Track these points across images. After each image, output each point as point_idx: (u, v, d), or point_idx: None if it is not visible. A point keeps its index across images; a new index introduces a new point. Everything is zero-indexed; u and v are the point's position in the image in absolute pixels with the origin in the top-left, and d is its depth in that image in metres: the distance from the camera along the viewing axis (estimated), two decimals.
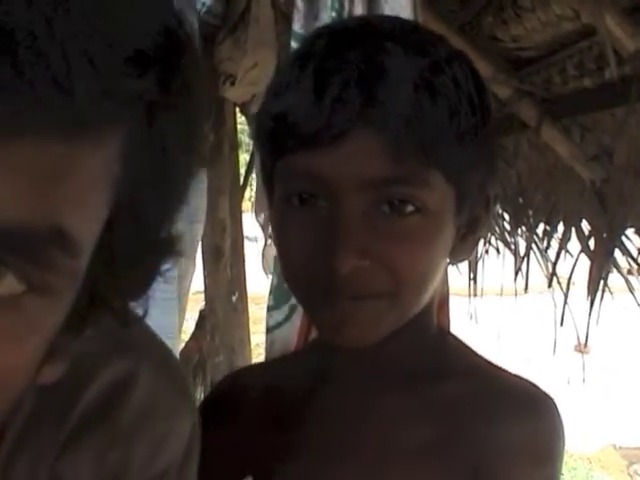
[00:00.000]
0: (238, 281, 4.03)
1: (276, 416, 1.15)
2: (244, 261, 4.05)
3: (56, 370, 0.67)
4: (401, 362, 1.10)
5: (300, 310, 1.84)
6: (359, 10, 1.78)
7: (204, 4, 2.70)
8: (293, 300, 1.89)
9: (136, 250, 0.62)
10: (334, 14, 1.81)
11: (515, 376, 1.13)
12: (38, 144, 0.49)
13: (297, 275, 1.02)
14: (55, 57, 0.46)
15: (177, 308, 2.70)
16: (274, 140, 1.00)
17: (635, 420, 7.75)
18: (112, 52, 0.50)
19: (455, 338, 1.17)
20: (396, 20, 1.13)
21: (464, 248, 1.08)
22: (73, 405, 0.87)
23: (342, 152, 0.92)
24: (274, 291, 1.99)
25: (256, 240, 3.62)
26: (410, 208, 0.95)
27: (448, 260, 1.08)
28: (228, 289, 3.99)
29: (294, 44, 1.94)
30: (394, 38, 0.96)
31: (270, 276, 3.05)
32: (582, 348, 9.58)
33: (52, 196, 0.51)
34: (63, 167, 0.51)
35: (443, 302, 1.55)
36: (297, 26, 1.93)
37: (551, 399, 1.09)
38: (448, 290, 1.64)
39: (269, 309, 1.98)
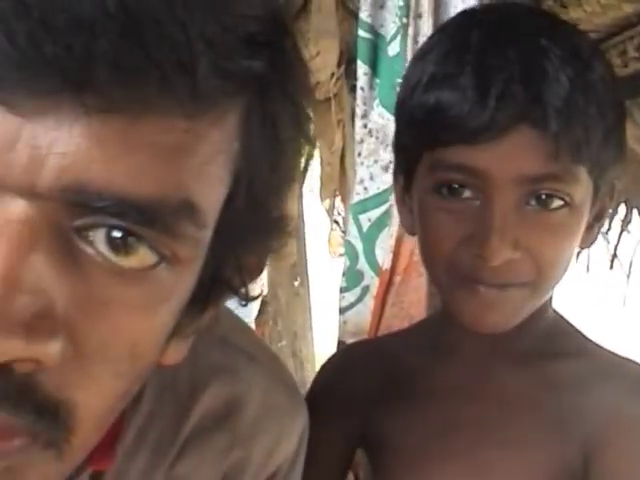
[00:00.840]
0: (300, 267, 4.03)
1: (394, 386, 1.19)
2: (306, 247, 4.06)
3: (179, 352, 0.70)
4: (520, 341, 1.13)
5: (372, 291, 1.91)
6: None
7: None
8: (365, 282, 1.98)
9: (253, 227, 0.65)
10: (401, 3, 1.87)
11: (625, 358, 1.16)
12: (164, 122, 0.52)
13: (442, 261, 1.04)
14: (178, 40, 0.50)
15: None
16: (428, 132, 1.03)
17: None
18: (228, 35, 0.53)
19: (567, 322, 1.20)
20: (541, 11, 1.16)
21: (590, 236, 1.11)
22: (191, 407, 0.90)
23: (503, 149, 0.95)
24: (347, 273, 2.05)
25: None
26: (558, 203, 0.99)
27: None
28: (290, 275, 4.01)
29: (361, 32, 2.00)
30: (550, 37, 0.98)
31: (334, 259, 3.13)
32: None
33: (179, 170, 0.54)
34: (187, 143, 0.54)
35: None
36: (364, 15, 2.00)
37: None
38: None
39: (342, 290, 2.04)
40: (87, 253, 0.54)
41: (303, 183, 4.07)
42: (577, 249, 1.07)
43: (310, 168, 4.65)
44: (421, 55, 1.08)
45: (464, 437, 1.13)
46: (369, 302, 1.96)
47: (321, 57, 2.72)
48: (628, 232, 3.66)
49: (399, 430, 1.16)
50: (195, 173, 0.56)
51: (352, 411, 1.21)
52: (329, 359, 1.32)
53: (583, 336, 1.18)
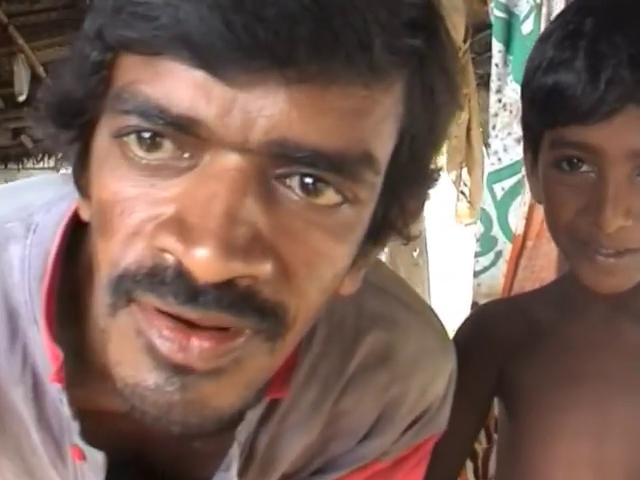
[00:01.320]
0: (419, 237, 4.14)
1: (529, 338, 1.29)
2: (424, 217, 4.16)
3: (354, 283, 0.81)
4: (638, 300, 1.22)
5: (505, 255, 2.00)
6: None
7: None
8: (499, 247, 2.07)
9: (413, 176, 0.76)
10: None
11: None
12: (348, 90, 0.63)
13: (563, 228, 1.14)
14: (358, 25, 0.61)
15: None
16: (547, 112, 1.12)
17: None
18: (395, 20, 0.64)
19: None
20: None
21: None
22: (355, 349, 1.00)
23: (613, 127, 1.04)
24: (481, 239, 2.13)
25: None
26: None
27: None
28: (410, 245, 4.10)
29: (496, 12, 2.06)
30: None
31: (461, 226, 3.20)
32: None
33: (359, 128, 0.65)
34: (365, 106, 0.65)
35: None
36: None
37: None
38: None
39: (476, 255, 2.13)
40: (286, 195, 0.66)
41: None
42: None
43: None
44: (542, 39, 1.17)
45: (590, 386, 1.22)
46: (502, 266, 2.04)
47: (451, 32, 2.83)
48: None
49: (531, 379, 1.27)
50: (372, 130, 0.66)
51: (490, 361, 1.31)
52: (470, 315, 1.43)
53: None
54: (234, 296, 0.64)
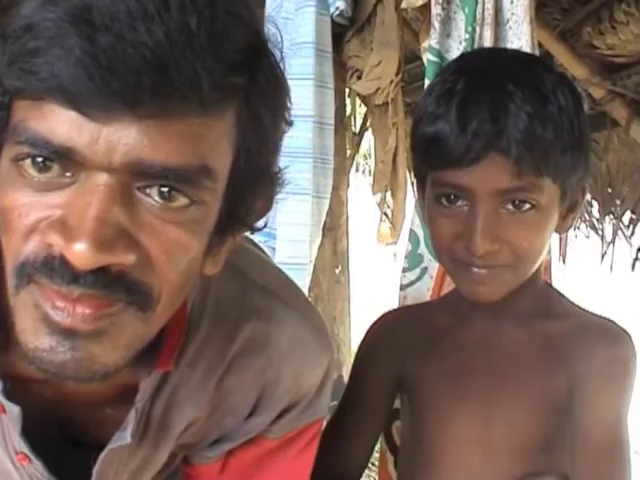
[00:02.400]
0: (342, 255, 4.26)
1: (425, 341, 1.50)
2: (348, 236, 4.28)
3: (214, 266, 1.04)
4: (518, 306, 1.43)
5: (430, 271, 2.21)
6: (487, 33, 2.12)
7: (337, 8, 2.94)
8: (424, 264, 2.26)
9: (252, 180, 0.97)
10: (467, 36, 2.16)
11: (601, 317, 1.46)
12: (186, 121, 0.83)
13: (445, 252, 1.35)
14: (190, 73, 0.81)
15: (307, 273, 3.04)
16: (427, 157, 1.34)
17: None
18: (220, 64, 0.84)
19: (556, 291, 1.52)
20: (514, 58, 1.47)
21: (566, 224, 1.41)
22: (236, 336, 1.20)
23: (479, 170, 1.25)
24: (409, 256, 2.32)
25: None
26: (527, 206, 1.28)
27: (555, 232, 1.40)
28: (332, 262, 4.21)
29: (430, 56, 2.27)
30: (516, 82, 1.27)
31: (384, 247, 3.34)
32: None
33: (198, 148, 0.85)
34: (201, 132, 0.85)
35: (547, 265, 1.89)
36: (433, 42, 2.28)
37: (628, 334, 1.40)
38: (551, 257, 1.97)
39: (403, 270, 2.30)
40: (147, 201, 0.86)
41: (349, 177, 4.30)
42: (554, 235, 1.40)
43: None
44: (425, 95, 1.40)
45: (478, 378, 1.43)
46: (427, 280, 2.22)
47: (382, 66, 2.98)
48: None
49: (429, 375, 1.47)
50: (208, 149, 0.87)
51: (391, 361, 1.51)
52: (377, 319, 1.61)
53: (569, 301, 1.49)
54: (107, 278, 0.85)
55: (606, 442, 1.36)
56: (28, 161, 0.85)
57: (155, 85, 0.80)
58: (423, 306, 1.73)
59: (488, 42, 2.13)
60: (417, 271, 2.29)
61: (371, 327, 1.59)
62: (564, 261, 4.42)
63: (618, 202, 4.09)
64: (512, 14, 2.10)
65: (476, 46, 2.14)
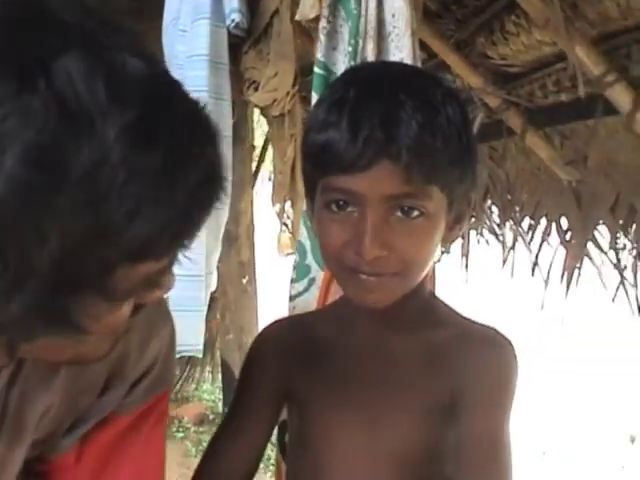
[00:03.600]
0: (249, 265, 4.29)
1: (310, 351, 1.50)
2: (254, 246, 4.31)
3: None
4: (403, 315, 1.43)
5: (317, 282, 2.23)
6: (370, 46, 2.14)
7: (233, 20, 2.97)
8: (312, 274, 2.29)
9: None
10: (350, 49, 2.18)
11: (484, 325, 1.48)
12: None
13: (334, 258, 1.34)
14: None
15: (205, 284, 3.04)
16: (319, 164, 1.32)
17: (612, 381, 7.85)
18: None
19: (441, 300, 1.53)
20: (405, 71, 1.48)
21: (452, 235, 1.42)
22: None
23: (370, 176, 1.24)
24: (297, 267, 2.34)
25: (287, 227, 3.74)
26: (416, 213, 1.28)
27: (440, 244, 1.40)
28: (239, 272, 4.26)
29: (317, 69, 2.31)
30: (406, 91, 1.28)
31: (284, 257, 3.37)
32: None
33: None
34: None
35: (431, 274, 1.92)
36: (319, 55, 2.31)
37: (509, 342, 1.43)
38: (435, 266, 2.00)
39: (292, 281, 2.33)
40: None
41: (253, 188, 4.31)
42: (441, 246, 1.39)
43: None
44: (316, 105, 1.39)
45: (363, 388, 1.44)
46: (314, 291, 2.24)
47: (279, 77, 3.02)
48: (548, 243, 3.97)
49: (314, 385, 1.47)
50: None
51: (275, 371, 1.51)
52: (263, 329, 1.61)
53: (453, 310, 1.51)
54: None
55: (488, 449, 1.37)
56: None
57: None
58: (308, 315, 1.73)
59: (370, 55, 2.16)
60: (305, 282, 2.32)
61: (257, 336, 1.60)
62: (466, 267, 4.49)
63: (517, 208, 4.16)
64: (394, 27, 2.13)
65: (359, 59, 2.17)
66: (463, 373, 1.40)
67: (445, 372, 1.42)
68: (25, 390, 1.17)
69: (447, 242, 1.43)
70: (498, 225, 4.36)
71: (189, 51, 3.00)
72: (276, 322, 1.64)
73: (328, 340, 1.51)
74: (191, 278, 2.95)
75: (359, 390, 1.44)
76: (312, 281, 2.30)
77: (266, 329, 1.61)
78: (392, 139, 1.23)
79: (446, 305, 1.52)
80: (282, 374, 1.51)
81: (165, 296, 1.28)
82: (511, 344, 1.44)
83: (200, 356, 3.63)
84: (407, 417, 1.42)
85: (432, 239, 1.33)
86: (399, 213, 1.28)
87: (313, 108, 1.43)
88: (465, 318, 1.50)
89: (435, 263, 1.95)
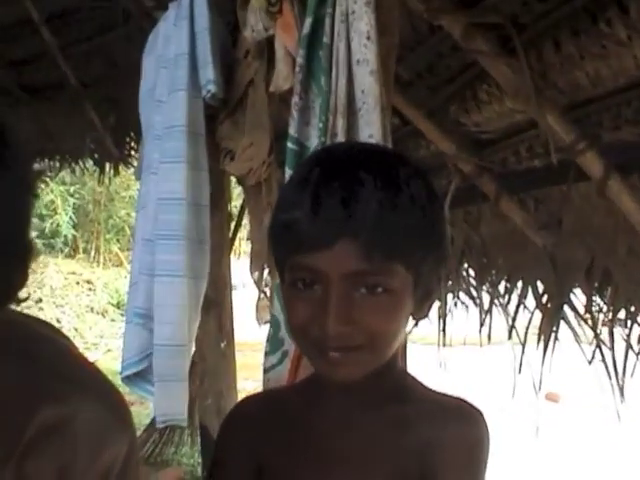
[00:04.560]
0: (227, 330, 4.19)
1: (282, 427, 1.50)
2: (232, 311, 4.23)
3: None
4: (374, 391, 1.45)
5: (290, 355, 2.25)
6: (340, 122, 2.18)
7: (209, 91, 2.98)
8: (285, 347, 2.30)
9: None
10: (321, 125, 2.21)
11: (454, 397, 1.51)
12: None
13: (301, 334, 1.36)
14: None
15: (187, 355, 3.07)
16: (284, 244, 1.35)
17: (600, 467, 7.81)
18: None
19: (411, 376, 1.55)
20: (370, 150, 1.50)
21: (421, 311, 1.43)
22: (28, 423, 1.17)
23: (331, 254, 1.26)
24: (270, 339, 2.36)
25: (243, 286, 3.73)
26: (379, 289, 1.30)
27: (411, 318, 1.42)
28: (217, 337, 4.16)
29: (290, 145, 2.34)
30: (368, 170, 1.29)
31: (261, 325, 3.39)
32: (553, 396, 9.60)
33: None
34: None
35: (402, 350, 1.94)
36: (292, 130, 2.34)
37: (480, 412, 1.47)
38: (405, 341, 2.02)
39: (266, 354, 2.35)
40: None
41: (230, 254, 4.32)
42: (410, 321, 1.42)
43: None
44: (285, 185, 1.45)
45: (333, 465, 1.45)
46: (287, 364, 2.26)
47: (254, 147, 3.06)
48: (524, 306, 3.99)
49: (285, 464, 1.48)
50: None
51: (249, 447, 1.51)
52: (234, 406, 1.63)
53: (423, 386, 1.53)
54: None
55: None
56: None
57: None
58: (279, 391, 1.74)
59: (340, 130, 2.19)
60: (278, 354, 2.33)
61: (228, 414, 1.60)
62: (444, 330, 4.51)
63: (494, 272, 4.18)
64: (363, 103, 2.15)
65: (329, 134, 2.20)
66: (434, 448, 1.42)
67: (416, 448, 1.43)
68: None
69: (417, 318, 1.44)
70: (475, 288, 4.37)
71: (167, 122, 3.02)
72: (246, 399, 1.65)
73: (299, 416, 1.51)
74: (175, 348, 2.95)
75: (330, 466, 1.45)
76: (285, 354, 2.31)
77: (237, 407, 1.62)
78: (351, 217, 1.25)
79: (417, 381, 1.54)
80: (253, 452, 1.51)
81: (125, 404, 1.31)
82: (482, 415, 1.47)
83: (185, 425, 3.62)
84: None
85: (398, 315, 1.34)
86: (363, 290, 1.30)
87: (281, 189, 1.47)
88: (436, 392, 1.52)
89: (407, 335, 1.97)
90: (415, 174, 1.36)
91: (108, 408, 1.28)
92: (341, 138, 2.18)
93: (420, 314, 1.44)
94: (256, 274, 3.27)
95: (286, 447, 1.49)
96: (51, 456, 1.20)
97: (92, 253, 17.35)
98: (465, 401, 1.49)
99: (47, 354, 1.28)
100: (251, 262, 3.27)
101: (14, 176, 1.07)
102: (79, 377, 1.29)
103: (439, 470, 1.42)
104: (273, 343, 2.35)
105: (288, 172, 2.32)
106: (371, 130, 2.12)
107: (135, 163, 5.52)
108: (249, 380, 7.91)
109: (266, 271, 3.25)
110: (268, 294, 3.30)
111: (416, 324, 1.50)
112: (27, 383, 1.20)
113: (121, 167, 6.75)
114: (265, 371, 2.34)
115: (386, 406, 1.47)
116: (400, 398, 1.49)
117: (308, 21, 2.36)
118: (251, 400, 1.65)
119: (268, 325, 2.45)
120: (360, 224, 1.26)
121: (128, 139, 6.06)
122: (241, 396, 4.17)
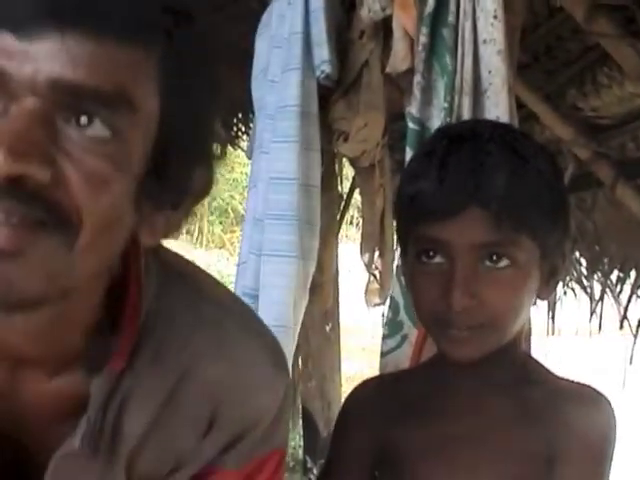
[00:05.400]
0: (332, 313, 4.23)
1: (405, 411, 1.47)
2: (338, 294, 4.27)
3: (151, 237, 1.04)
4: (499, 373, 1.42)
5: (410, 338, 2.21)
6: (466, 102, 2.15)
7: (323, 71, 2.99)
8: (404, 331, 2.28)
9: (183, 140, 0.98)
10: (446, 105, 2.19)
11: (580, 384, 1.46)
12: (106, 42, 0.87)
13: (426, 310, 1.36)
14: (124, 6, 0.88)
15: (292, 336, 3.04)
16: (410, 215, 1.36)
17: None
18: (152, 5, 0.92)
19: (535, 359, 1.52)
20: (496, 126, 1.49)
21: (546, 290, 1.41)
22: (189, 345, 1.17)
23: (458, 223, 1.26)
24: (389, 323, 2.35)
25: (349, 271, 3.71)
26: (505, 262, 1.29)
27: (538, 298, 1.41)
28: (322, 320, 4.17)
29: (411, 125, 2.32)
30: (496, 142, 1.30)
31: (370, 308, 3.37)
32: None
33: (117, 73, 0.89)
34: (120, 58, 0.89)
35: (527, 336, 1.91)
36: (414, 110, 2.32)
37: (607, 400, 1.41)
38: (530, 328, 1.99)
39: (384, 337, 2.33)
40: (67, 128, 0.88)
41: (338, 236, 4.32)
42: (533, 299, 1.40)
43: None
44: (412, 158, 1.45)
45: (461, 450, 1.42)
46: (407, 348, 2.22)
47: (368, 128, 3.02)
48: (637, 296, 3.92)
49: (410, 446, 1.44)
50: (127, 78, 0.90)
51: (371, 430, 1.48)
52: (355, 387, 1.59)
53: (547, 369, 1.49)
54: (24, 194, 0.85)
55: None
56: None
57: (79, 2, 0.87)
58: (402, 374, 1.72)
59: (467, 111, 2.16)
60: (397, 338, 2.31)
61: (349, 395, 1.58)
62: (553, 318, 4.44)
63: (606, 260, 4.11)
64: (490, 84, 2.13)
65: (455, 115, 2.18)
66: (560, 431, 1.37)
67: (542, 431, 1.39)
68: (123, 409, 1.14)
69: (543, 297, 1.42)
70: (586, 277, 4.30)
71: (279, 101, 3.01)
72: (369, 381, 1.63)
73: (423, 400, 1.48)
74: (279, 329, 2.94)
75: (455, 449, 1.42)
76: (404, 338, 2.28)
77: (358, 388, 1.59)
78: (481, 186, 1.25)
79: (540, 364, 1.50)
80: (376, 435, 1.48)
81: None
82: (609, 402, 1.42)
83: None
84: (504, 476, 1.40)
85: (522, 290, 1.32)
86: (488, 262, 1.28)
87: (407, 164, 1.46)
88: (560, 377, 1.48)
89: (530, 327, 1.92)
90: (541, 150, 1.37)
91: (267, 349, 1.26)
92: (467, 119, 2.14)
93: (545, 293, 1.42)
94: (367, 256, 3.23)
95: (410, 431, 1.46)
96: (206, 385, 1.20)
97: (195, 234, 17.46)
98: (591, 387, 1.45)
99: (207, 283, 1.29)
100: (362, 244, 3.23)
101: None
102: (240, 314, 1.29)
103: (565, 453, 1.37)
104: (392, 326, 2.33)
105: (409, 152, 2.30)
106: (498, 111, 2.11)
107: (242, 145, 5.53)
108: (346, 361, 7.92)
109: (377, 254, 3.22)
110: (378, 277, 3.26)
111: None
112: (191, 307, 1.20)
113: (227, 149, 6.77)
114: (382, 355, 2.33)
115: (512, 389, 1.44)
116: (524, 380, 1.45)
117: (431, 0, 2.31)
118: (372, 382, 1.63)
119: (383, 308, 2.42)
120: (488, 194, 1.25)
121: (236, 120, 6.06)
122: (343, 380, 4.20)
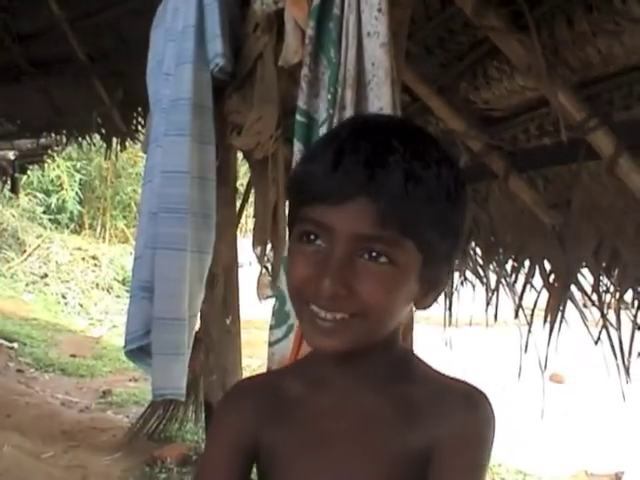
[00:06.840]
0: (232, 306, 4.25)
1: (280, 407, 1.46)
2: (238, 287, 4.26)
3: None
4: (374, 369, 1.40)
5: (295, 329, 2.22)
6: (349, 94, 2.15)
7: (217, 64, 2.97)
8: (290, 321, 2.29)
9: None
10: (329, 97, 2.20)
11: (458, 380, 1.44)
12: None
13: (296, 290, 1.33)
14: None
15: (187, 328, 3.02)
16: (298, 195, 1.32)
17: (605, 447, 7.79)
18: None
19: (417, 357, 1.49)
20: (409, 125, 1.44)
21: (426, 300, 1.38)
22: None
23: (344, 211, 1.23)
24: (275, 313, 2.34)
25: (250, 264, 3.69)
26: (383, 259, 1.25)
27: (414, 306, 1.39)
28: (222, 313, 4.22)
29: (298, 117, 2.31)
30: (400, 140, 1.26)
31: (262, 301, 3.38)
32: (558, 377, 9.61)
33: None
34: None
35: (407, 332, 1.91)
36: (301, 103, 2.32)
37: (485, 396, 1.40)
38: (412, 325, 2.00)
39: (271, 328, 2.32)
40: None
41: (237, 228, 4.31)
42: (411, 306, 1.38)
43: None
44: (318, 139, 1.42)
45: (333, 448, 1.40)
46: (293, 338, 2.23)
47: (262, 121, 3.04)
48: (531, 286, 3.97)
49: (283, 446, 1.43)
50: None
51: (245, 429, 1.46)
52: (231, 387, 1.58)
53: (429, 366, 1.48)
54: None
55: None
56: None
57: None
58: (278, 373, 1.70)
59: (349, 102, 2.17)
60: (283, 329, 2.32)
61: (224, 396, 1.58)
62: (449, 309, 4.50)
63: (501, 250, 4.17)
64: (373, 76, 2.14)
65: (338, 106, 2.18)
66: (437, 430, 1.38)
67: (419, 429, 1.39)
68: None
69: (420, 307, 1.41)
70: (482, 267, 4.36)
71: (173, 95, 3.01)
72: (244, 381, 1.65)
73: (299, 398, 1.48)
74: (174, 322, 2.94)
75: (330, 447, 1.42)
76: (290, 328, 2.30)
77: (234, 388, 1.59)
78: (374, 179, 1.22)
79: (422, 362, 1.48)
80: (250, 434, 1.48)
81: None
82: (487, 399, 1.42)
83: (182, 399, 3.60)
84: (378, 474, 1.40)
85: (397, 290, 1.30)
86: (366, 257, 1.26)
87: (311, 145, 1.43)
88: (442, 374, 1.47)
89: (412, 316, 1.93)
90: (447, 158, 1.32)
91: None
92: (350, 110, 2.17)
93: (423, 303, 1.39)
94: (258, 249, 3.25)
95: (284, 427, 1.46)
96: None
97: (98, 229, 17.36)
98: (471, 385, 1.45)
99: None
100: (254, 236, 3.25)
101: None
102: None
103: (443, 452, 1.37)
104: (278, 317, 2.34)
105: (297, 145, 2.31)
106: (381, 103, 2.12)
107: (142, 138, 5.49)
108: (253, 357, 7.89)
109: (269, 246, 3.23)
110: (270, 269, 3.28)
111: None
112: None
113: (128, 142, 6.72)
114: (270, 345, 2.33)
115: (388, 385, 1.43)
116: (403, 378, 1.44)
117: None
118: (249, 381, 1.63)
119: (272, 301, 2.43)
120: (381, 188, 1.22)
121: (135, 114, 6.03)
122: (246, 373, 4.21)
